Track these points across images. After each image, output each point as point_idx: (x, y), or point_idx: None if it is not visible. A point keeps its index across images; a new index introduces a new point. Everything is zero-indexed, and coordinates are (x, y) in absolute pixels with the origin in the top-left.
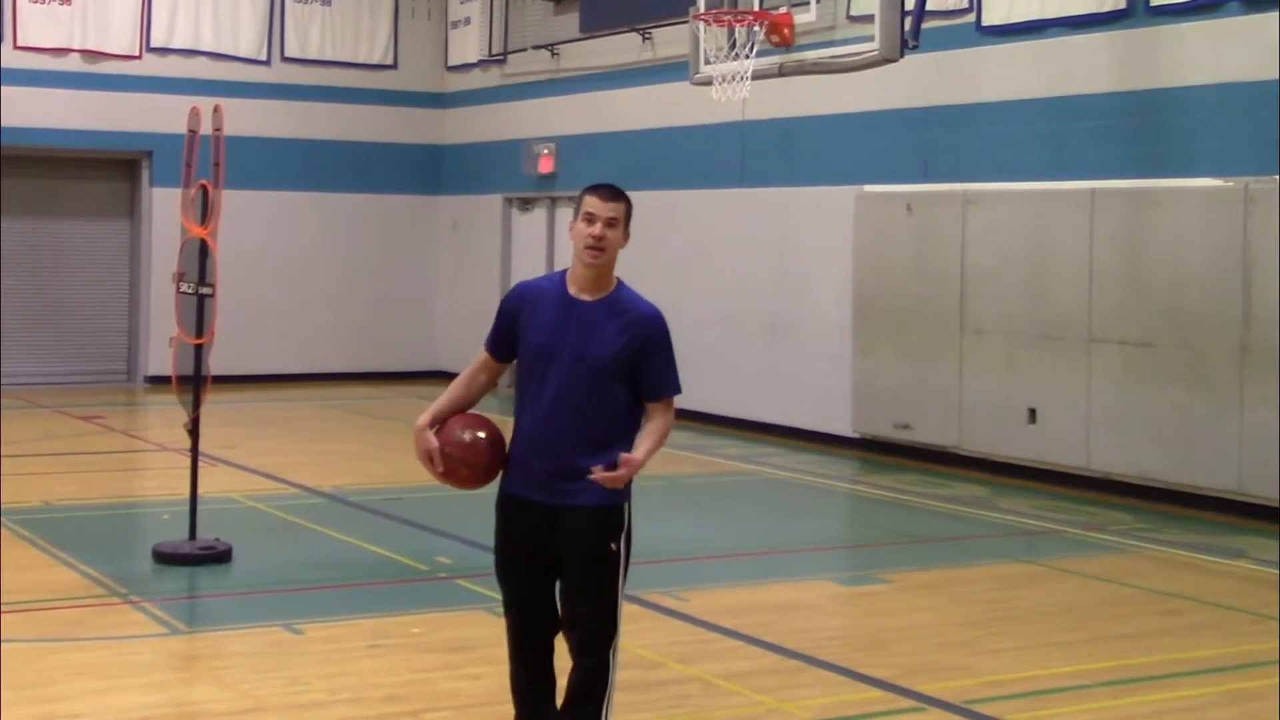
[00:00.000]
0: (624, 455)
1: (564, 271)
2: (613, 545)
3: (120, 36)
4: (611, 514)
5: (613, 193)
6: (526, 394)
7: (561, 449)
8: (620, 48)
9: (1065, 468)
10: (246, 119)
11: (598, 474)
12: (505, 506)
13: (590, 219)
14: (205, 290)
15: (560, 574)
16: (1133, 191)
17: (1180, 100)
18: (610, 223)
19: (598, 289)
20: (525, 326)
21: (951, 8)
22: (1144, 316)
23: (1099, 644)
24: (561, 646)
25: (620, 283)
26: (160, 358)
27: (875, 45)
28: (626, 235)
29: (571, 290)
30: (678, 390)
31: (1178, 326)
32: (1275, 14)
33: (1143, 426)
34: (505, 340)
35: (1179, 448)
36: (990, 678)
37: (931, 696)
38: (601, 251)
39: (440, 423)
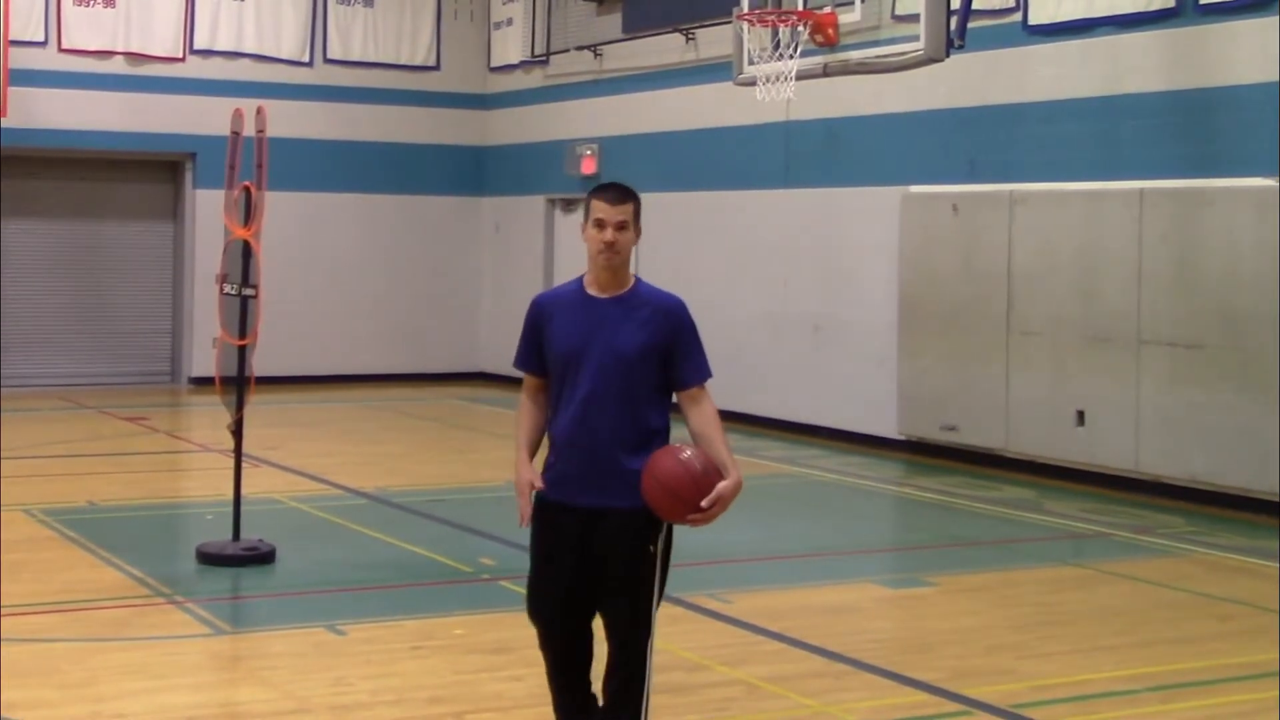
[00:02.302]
0: (720, 488)
1: (580, 277)
2: (651, 547)
3: (164, 39)
4: (653, 515)
5: (620, 194)
6: (561, 397)
7: (598, 448)
8: (663, 48)
9: (1114, 470)
10: (289, 121)
11: (697, 519)
12: (546, 511)
13: (601, 225)
14: (248, 291)
15: (599, 575)
16: (1182, 191)
17: (1230, 99)
18: (620, 226)
19: (617, 286)
20: (552, 334)
21: (998, 7)
22: (1194, 318)
23: (1148, 648)
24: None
25: (638, 279)
26: (204, 359)
27: (921, 45)
28: (638, 231)
29: (591, 291)
30: (710, 375)
31: (1228, 328)
32: None
33: (1193, 428)
34: (538, 353)
35: (1230, 450)
36: (1038, 682)
37: (978, 700)
38: (616, 254)
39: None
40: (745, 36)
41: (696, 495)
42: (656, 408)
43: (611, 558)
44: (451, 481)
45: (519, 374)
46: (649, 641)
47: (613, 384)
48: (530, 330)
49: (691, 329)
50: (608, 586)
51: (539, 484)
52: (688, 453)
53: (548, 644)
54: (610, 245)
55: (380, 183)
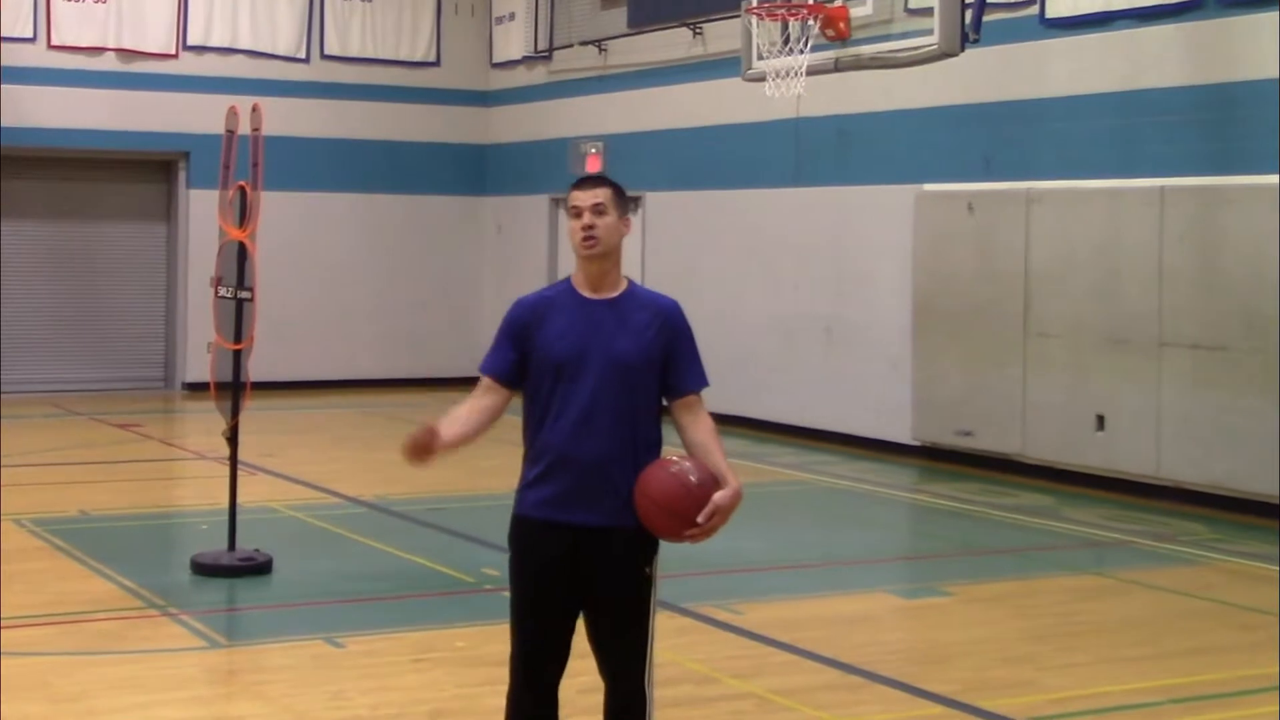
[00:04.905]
0: (716, 499)
1: (567, 279)
2: (647, 569)
3: (156, 35)
4: (650, 534)
5: (595, 180)
6: (550, 408)
7: (597, 461)
8: (670, 43)
9: (1135, 476)
10: (285, 118)
11: (696, 535)
12: (530, 532)
13: (577, 212)
14: (244, 294)
15: (591, 600)
16: (1204, 189)
17: (1253, 94)
18: (597, 209)
19: (610, 286)
20: (544, 339)
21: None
22: (1216, 319)
23: (1170, 659)
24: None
25: (631, 281)
26: (198, 364)
27: (935, 39)
28: (625, 222)
29: (583, 292)
30: (707, 383)
31: (1251, 329)
32: None
33: (1215, 433)
34: (518, 360)
35: (1254, 455)
36: (1057, 694)
37: (995, 713)
38: (597, 240)
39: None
40: (754, 31)
41: (694, 509)
42: (653, 419)
43: (607, 581)
44: (452, 489)
45: None
46: (647, 668)
47: (613, 395)
48: (515, 333)
49: (689, 333)
50: (602, 613)
51: (436, 430)
52: (681, 465)
53: (527, 670)
54: (590, 229)
55: (379, 182)
